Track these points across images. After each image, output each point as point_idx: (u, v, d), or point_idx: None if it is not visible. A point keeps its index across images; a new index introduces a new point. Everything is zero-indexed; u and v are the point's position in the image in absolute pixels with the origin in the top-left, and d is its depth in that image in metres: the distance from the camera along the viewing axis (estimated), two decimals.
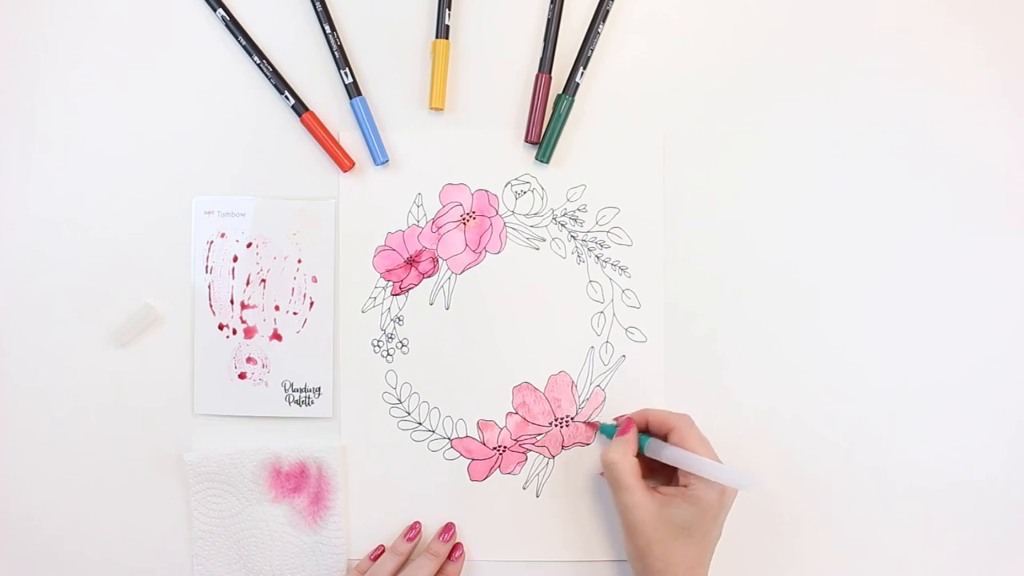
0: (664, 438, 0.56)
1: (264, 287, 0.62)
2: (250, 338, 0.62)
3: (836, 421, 0.62)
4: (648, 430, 0.58)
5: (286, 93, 0.61)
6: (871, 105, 0.62)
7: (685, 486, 0.54)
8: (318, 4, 0.61)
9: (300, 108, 0.61)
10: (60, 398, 0.61)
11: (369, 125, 0.61)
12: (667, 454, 0.54)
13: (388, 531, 0.61)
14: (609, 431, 0.59)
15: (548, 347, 0.62)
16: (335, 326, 0.62)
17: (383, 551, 0.60)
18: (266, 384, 0.61)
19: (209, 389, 0.61)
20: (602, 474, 0.59)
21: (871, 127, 0.62)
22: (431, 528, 0.61)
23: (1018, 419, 0.62)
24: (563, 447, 0.62)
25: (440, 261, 0.62)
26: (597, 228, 0.62)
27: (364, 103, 0.61)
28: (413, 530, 0.60)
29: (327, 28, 0.61)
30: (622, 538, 0.56)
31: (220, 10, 0.62)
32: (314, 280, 0.62)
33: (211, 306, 0.62)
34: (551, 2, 0.61)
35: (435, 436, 0.62)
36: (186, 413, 0.62)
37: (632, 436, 0.56)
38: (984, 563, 0.62)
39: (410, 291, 0.62)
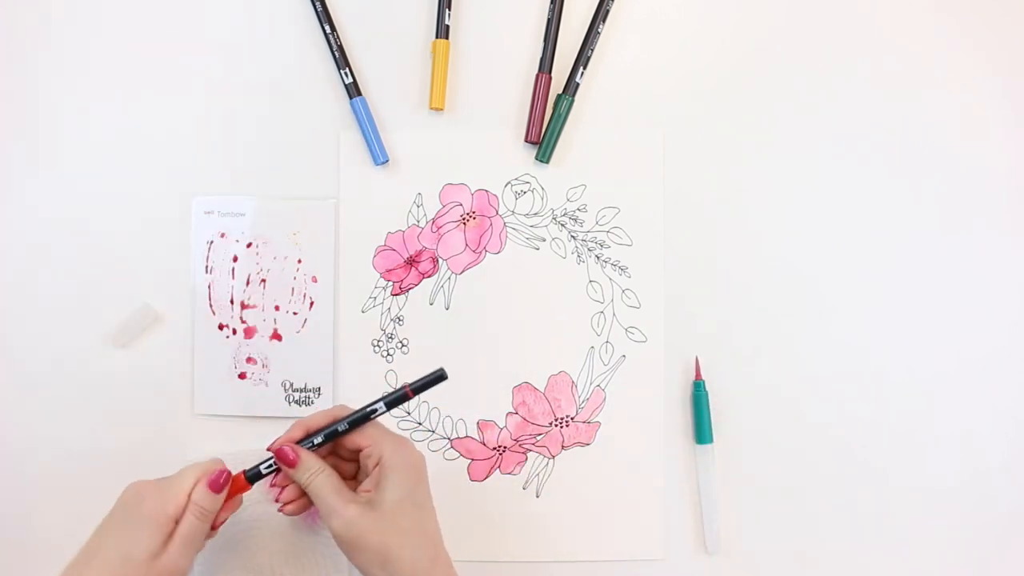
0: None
1: (264, 287, 0.62)
2: (250, 338, 0.62)
3: (838, 420, 0.62)
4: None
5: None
6: (871, 104, 0.62)
7: (377, 463, 0.50)
8: (318, 4, 0.61)
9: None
10: (60, 398, 0.61)
11: (369, 125, 0.61)
12: (318, 437, 0.51)
13: None
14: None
15: (548, 347, 0.62)
16: (335, 326, 0.62)
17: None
18: (266, 384, 0.61)
19: (209, 389, 0.61)
20: (287, 508, 0.53)
21: (871, 126, 0.62)
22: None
23: (1019, 418, 0.62)
24: (563, 447, 0.62)
25: (440, 261, 0.62)
26: (597, 228, 0.62)
27: (364, 103, 0.61)
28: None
29: (327, 28, 0.61)
30: (353, 563, 0.50)
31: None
32: (314, 280, 0.62)
33: (211, 306, 0.62)
34: (551, 2, 0.61)
35: (435, 436, 0.62)
36: (186, 413, 0.62)
37: (309, 455, 0.51)
38: (984, 562, 0.62)
39: (410, 291, 0.62)
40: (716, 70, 0.63)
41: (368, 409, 0.52)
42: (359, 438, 0.52)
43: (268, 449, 0.52)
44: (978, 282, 0.62)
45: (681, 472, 0.62)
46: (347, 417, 0.52)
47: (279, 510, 0.53)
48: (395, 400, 0.52)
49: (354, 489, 0.51)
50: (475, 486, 0.62)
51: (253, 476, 0.53)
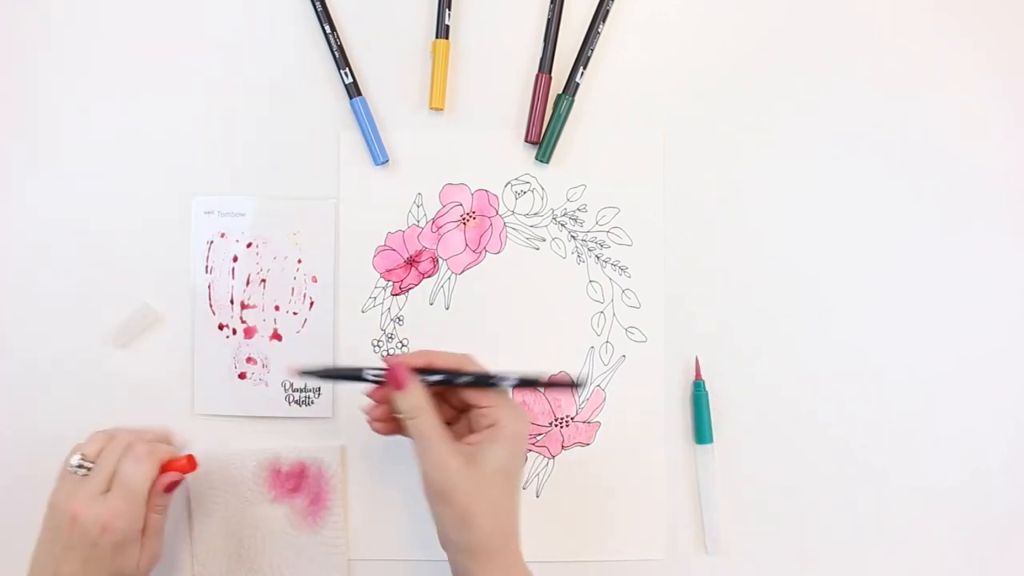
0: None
1: (264, 287, 0.62)
2: (250, 338, 0.62)
3: (838, 420, 0.62)
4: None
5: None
6: (871, 104, 0.63)
7: (491, 425, 0.49)
8: (318, 4, 0.61)
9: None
10: (60, 398, 0.61)
11: (369, 125, 0.61)
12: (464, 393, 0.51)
13: (388, 531, 0.61)
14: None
15: (548, 347, 0.62)
16: (335, 326, 0.62)
17: None
18: (266, 384, 0.61)
19: (209, 389, 0.61)
20: (375, 425, 0.52)
21: (871, 126, 0.62)
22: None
23: (1019, 418, 0.62)
24: (563, 447, 0.62)
25: (440, 261, 0.62)
26: (597, 228, 0.62)
27: (364, 103, 0.61)
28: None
29: (327, 28, 0.61)
30: (432, 510, 0.49)
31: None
32: (314, 280, 0.62)
33: (211, 306, 0.62)
34: (551, 2, 0.61)
35: None
36: (186, 413, 0.62)
37: (419, 389, 0.50)
38: (984, 562, 0.62)
39: (410, 291, 0.62)
40: (716, 70, 0.63)
41: (500, 378, 0.50)
42: (482, 395, 0.50)
43: (385, 361, 0.51)
44: (978, 282, 0.62)
45: (681, 472, 0.62)
46: (475, 375, 0.51)
47: (370, 421, 0.52)
48: (527, 383, 0.51)
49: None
50: None
51: (354, 375, 0.51)
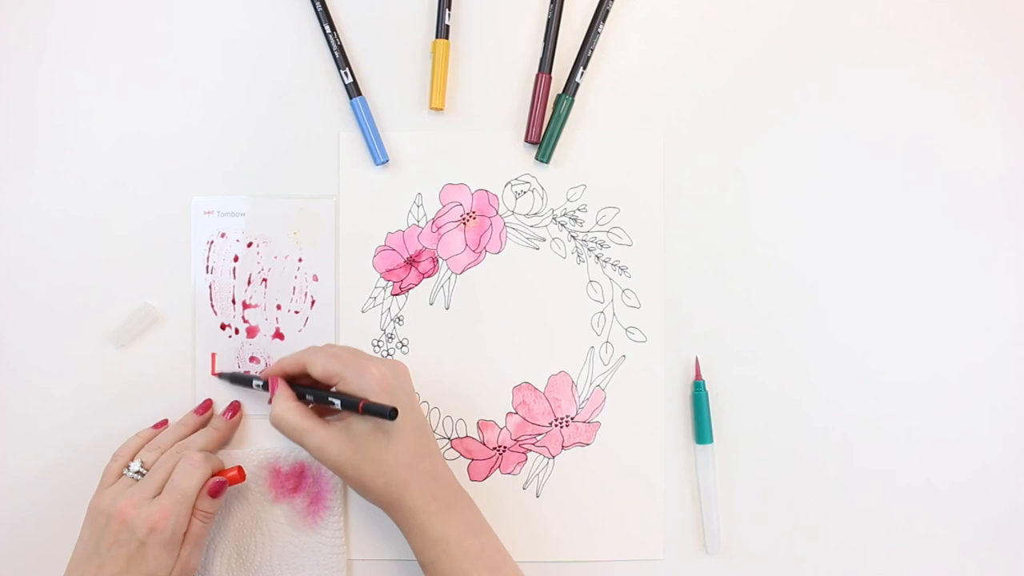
0: (305, 381, 0.56)
1: (265, 286, 0.62)
2: (253, 337, 0.62)
3: (838, 420, 0.62)
4: (295, 378, 0.57)
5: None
6: (871, 104, 0.63)
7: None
8: (318, 4, 0.61)
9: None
10: (60, 399, 0.61)
11: (369, 125, 0.61)
12: (309, 395, 0.55)
13: (388, 531, 0.61)
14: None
15: (548, 347, 0.62)
16: (336, 326, 0.62)
17: (167, 423, 0.61)
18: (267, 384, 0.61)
19: (210, 389, 0.61)
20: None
21: (871, 126, 0.63)
22: None
23: (1019, 418, 0.62)
24: (563, 447, 0.62)
25: (440, 261, 0.62)
26: (597, 228, 0.62)
27: (364, 103, 0.61)
28: (203, 407, 0.60)
29: (327, 28, 0.61)
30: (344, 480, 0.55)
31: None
32: (315, 279, 0.62)
33: (212, 306, 0.62)
34: (551, 2, 0.61)
35: (435, 436, 0.62)
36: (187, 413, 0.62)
37: (284, 389, 0.55)
38: (985, 562, 0.62)
39: (410, 291, 0.62)
40: (716, 70, 0.63)
41: (325, 396, 0.53)
42: (331, 375, 0.53)
43: (261, 377, 0.58)
44: (978, 283, 0.62)
45: (681, 472, 0.62)
46: (316, 392, 0.55)
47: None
48: (346, 404, 0.52)
49: None
50: (475, 486, 0.62)
51: (246, 382, 0.59)
